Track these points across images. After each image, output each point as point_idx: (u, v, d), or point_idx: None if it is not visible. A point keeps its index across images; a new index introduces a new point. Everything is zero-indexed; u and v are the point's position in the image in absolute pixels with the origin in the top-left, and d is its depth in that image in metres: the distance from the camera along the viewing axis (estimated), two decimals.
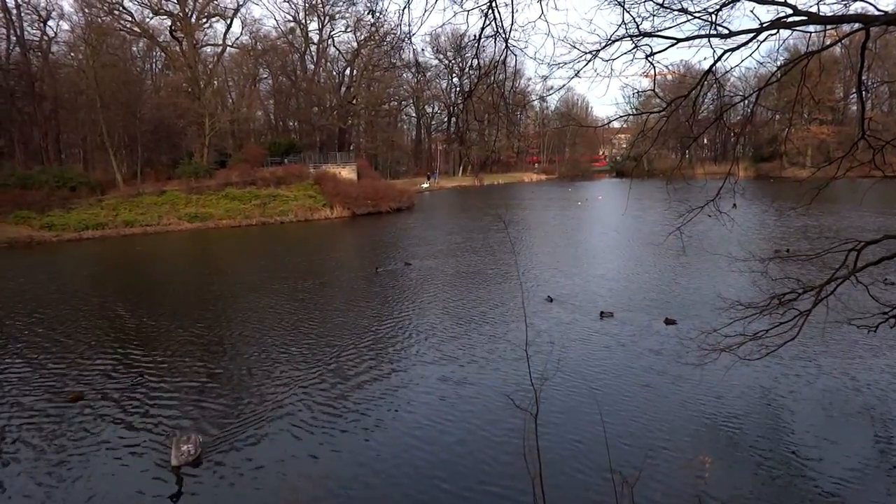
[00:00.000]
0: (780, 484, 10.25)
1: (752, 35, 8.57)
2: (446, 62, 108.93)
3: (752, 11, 10.49)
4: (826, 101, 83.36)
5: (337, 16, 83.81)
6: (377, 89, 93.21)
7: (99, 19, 60.87)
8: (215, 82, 71.92)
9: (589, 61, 8.63)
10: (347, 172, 65.25)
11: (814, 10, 8.51)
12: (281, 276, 28.64)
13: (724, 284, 21.76)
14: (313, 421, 12.91)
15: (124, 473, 11.07)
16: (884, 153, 9.74)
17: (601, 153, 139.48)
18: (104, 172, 59.21)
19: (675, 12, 8.71)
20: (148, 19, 67.28)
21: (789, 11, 8.43)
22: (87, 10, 59.64)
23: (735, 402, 13.21)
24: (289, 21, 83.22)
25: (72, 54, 64.33)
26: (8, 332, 20.56)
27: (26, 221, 46.28)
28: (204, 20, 68.16)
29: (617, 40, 8.60)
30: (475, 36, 7.41)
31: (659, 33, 8.70)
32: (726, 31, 8.62)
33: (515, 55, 7.72)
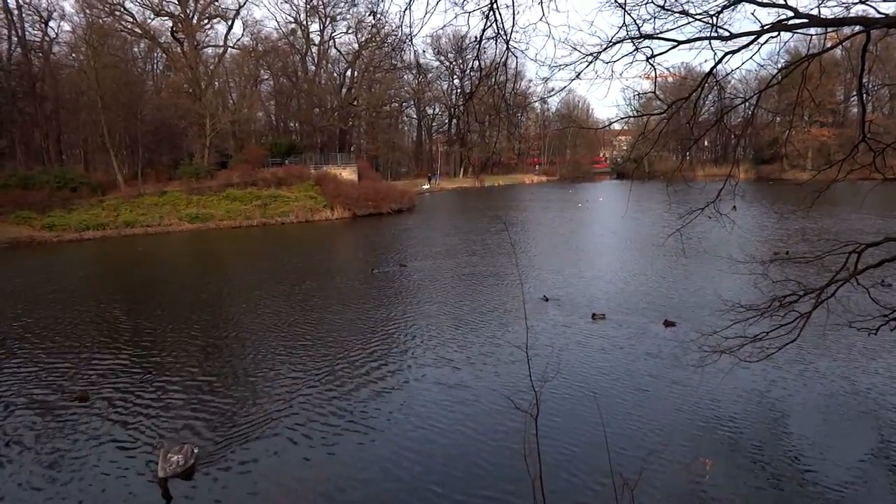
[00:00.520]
0: (781, 487, 10.24)
1: (752, 37, 8.58)
2: (447, 64, 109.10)
3: (752, 14, 10.48)
4: (827, 103, 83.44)
5: (338, 17, 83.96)
6: (378, 90, 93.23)
7: (100, 20, 60.97)
8: (216, 83, 71.96)
9: (590, 63, 8.64)
10: (348, 173, 65.27)
11: (815, 12, 8.52)
12: (281, 278, 28.64)
13: (723, 286, 21.75)
14: (312, 425, 12.86)
15: (116, 480, 10.93)
16: (884, 156, 9.74)
17: (602, 155, 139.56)
18: (105, 173, 59.31)
19: (676, 14, 8.72)
20: (149, 20, 67.43)
21: (790, 14, 8.43)
22: (88, 11, 59.75)
23: (735, 405, 13.20)
24: (290, 22, 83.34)
25: (73, 55, 64.41)
26: (4, 331, 20.58)
27: (27, 222, 46.34)
28: (205, 21, 68.26)
29: (618, 42, 8.60)
30: (476, 37, 7.42)
31: (660, 35, 8.71)
32: (727, 34, 8.62)
33: (516, 57, 7.74)
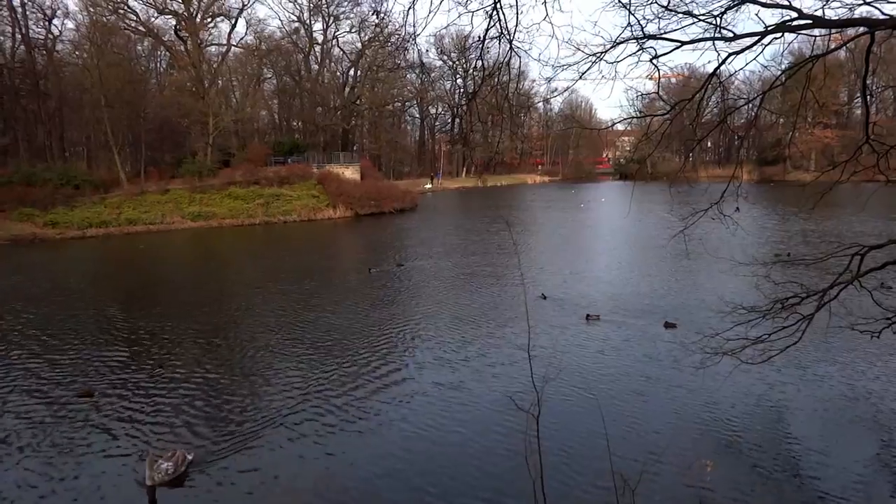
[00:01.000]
0: (782, 489, 10.22)
1: (756, 38, 8.56)
2: (450, 63, 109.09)
3: (756, 15, 10.47)
4: (830, 105, 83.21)
5: (341, 16, 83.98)
6: (381, 90, 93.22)
7: (104, 18, 61.01)
8: (219, 82, 72.00)
9: (593, 63, 8.62)
10: (351, 173, 65.30)
11: (819, 13, 8.50)
12: (282, 277, 28.66)
13: (725, 288, 21.73)
14: (312, 426, 12.83)
15: (111, 479, 10.86)
16: (888, 158, 9.71)
17: (605, 156, 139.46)
18: (108, 171, 59.37)
19: (680, 15, 8.70)
20: (153, 18, 67.48)
21: (794, 15, 8.41)
22: (91, 9, 59.80)
23: (736, 406, 13.18)
24: (293, 21, 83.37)
25: (76, 53, 64.46)
26: (4, 327, 20.62)
27: (30, 219, 46.43)
28: (209, 20, 68.28)
29: (621, 42, 8.59)
30: (479, 37, 7.40)
31: (664, 36, 8.69)
32: (731, 35, 8.60)
33: (520, 57, 7.72)
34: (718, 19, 8.66)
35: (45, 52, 63.67)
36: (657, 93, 10.56)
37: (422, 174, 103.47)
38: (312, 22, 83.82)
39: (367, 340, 18.53)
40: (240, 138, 71.72)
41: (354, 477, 10.79)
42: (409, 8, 6.61)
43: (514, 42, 7.38)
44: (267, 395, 14.40)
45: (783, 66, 10.71)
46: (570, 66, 8.75)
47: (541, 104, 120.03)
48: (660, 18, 8.78)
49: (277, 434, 12.39)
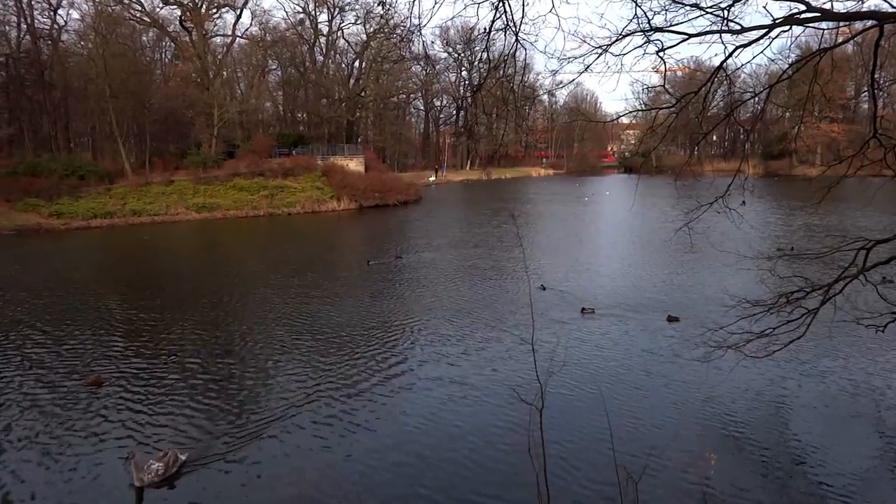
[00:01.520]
0: (786, 482, 10.23)
1: (764, 31, 8.49)
2: (456, 55, 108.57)
3: (764, 7, 10.38)
4: (837, 99, 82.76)
5: (346, 7, 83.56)
6: (386, 82, 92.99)
7: (109, 8, 60.95)
8: (224, 73, 71.97)
9: (599, 56, 8.56)
10: (355, 165, 65.24)
11: (827, 6, 8.42)
12: (286, 269, 28.70)
13: (730, 282, 21.69)
14: (312, 418, 12.88)
15: (103, 478, 10.77)
16: (895, 152, 9.64)
17: (610, 149, 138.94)
18: (113, 161, 59.43)
19: (687, 7, 8.63)
20: (158, 9, 67.42)
21: (802, 8, 8.34)
22: None
23: (740, 400, 13.19)
24: (298, 12, 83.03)
25: (81, 43, 64.48)
26: (9, 316, 20.71)
27: (35, 209, 46.55)
28: (213, 10, 68.14)
29: (628, 35, 8.53)
30: (485, 29, 7.37)
31: (670, 28, 8.62)
32: (738, 27, 8.53)
33: (525, 49, 7.68)
34: (726, 12, 8.59)
35: (50, 42, 63.60)
36: (663, 86, 10.53)
37: (426, 166, 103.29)
38: (317, 13, 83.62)
39: (368, 333, 18.56)
40: (244, 130, 71.67)
41: (356, 471, 10.83)
42: None
43: (519, 34, 7.34)
44: (266, 390, 14.39)
45: (790, 60, 10.61)
46: (575, 58, 8.70)
47: (546, 97, 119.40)
48: (666, 11, 8.72)
49: (277, 430, 12.29)
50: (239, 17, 70.91)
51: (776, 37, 8.62)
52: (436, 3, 6.69)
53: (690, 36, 8.67)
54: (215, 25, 71.27)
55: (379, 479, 10.47)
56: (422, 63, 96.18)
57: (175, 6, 66.27)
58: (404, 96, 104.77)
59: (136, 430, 12.35)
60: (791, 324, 9.91)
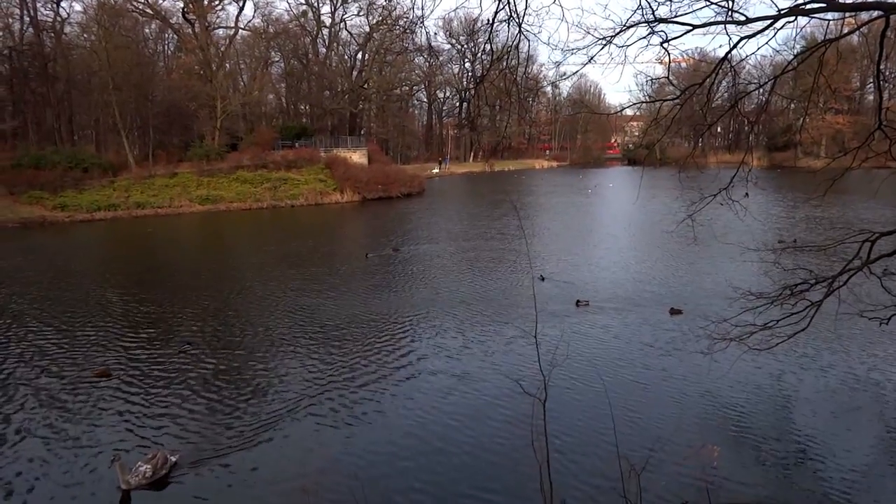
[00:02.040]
0: (788, 474, 10.25)
1: (769, 22, 8.43)
2: (459, 47, 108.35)
3: None
4: (842, 90, 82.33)
5: None
6: (389, 73, 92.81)
7: (112, 0, 60.82)
8: (227, 65, 71.85)
9: (603, 47, 8.51)
10: (358, 157, 65.20)
11: None
12: (288, 261, 28.75)
13: (733, 274, 21.63)
14: (315, 408, 12.94)
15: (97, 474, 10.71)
16: None
17: (614, 141, 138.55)
18: (116, 154, 59.51)
19: None
20: (160, 1, 67.31)
21: None
22: None
23: (743, 392, 13.19)
24: (301, 4, 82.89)
25: (84, 35, 64.35)
26: (9, 307, 20.82)
27: (39, 201, 46.67)
28: (216, 2, 68.01)
29: (632, 26, 8.47)
30: (488, 20, 7.35)
31: (675, 19, 8.57)
32: (743, 18, 8.47)
33: (529, 40, 7.66)
34: (730, 2, 8.52)
35: (53, 34, 63.47)
36: (667, 77, 10.47)
37: (429, 158, 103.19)
38: (320, 4, 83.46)
39: (369, 327, 18.58)
40: (247, 122, 71.65)
41: (358, 464, 10.88)
42: None
43: (523, 25, 7.32)
44: (265, 386, 14.32)
45: (795, 51, 10.57)
46: (579, 49, 8.65)
47: (549, 88, 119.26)
48: (671, 1, 8.65)
49: (275, 428, 12.11)
50: (241, 8, 70.90)
51: (781, 27, 8.57)
52: None
53: (695, 27, 8.62)
54: (218, 17, 71.26)
55: (381, 473, 10.51)
56: (425, 54, 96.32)
57: None
58: (407, 88, 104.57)
59: (132, 427, 12.28)
60: (794, 316, 9.89)
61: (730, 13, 8.55)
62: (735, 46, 8.81)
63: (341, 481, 10.24)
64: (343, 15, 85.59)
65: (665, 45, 8.82)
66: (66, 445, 11.49)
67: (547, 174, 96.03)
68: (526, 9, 7.14)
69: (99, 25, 56.85)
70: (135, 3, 65.01)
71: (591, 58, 8.59)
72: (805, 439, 11.34)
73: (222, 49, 70.14)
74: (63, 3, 64.61)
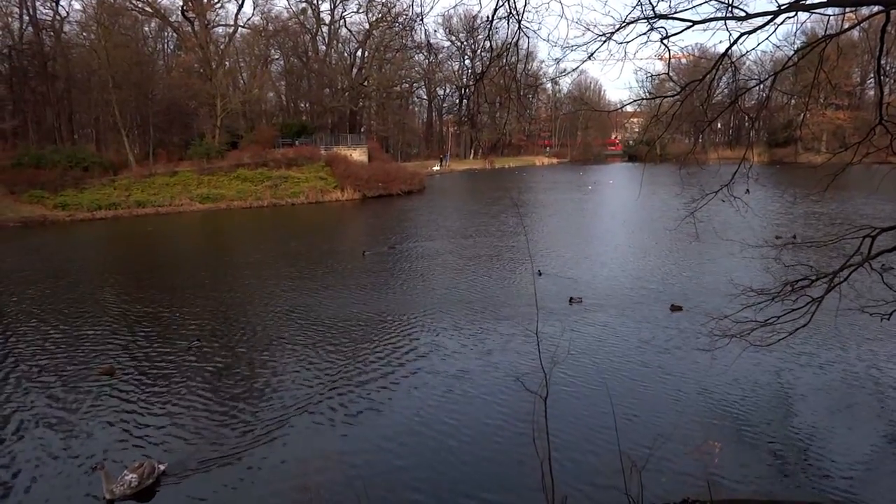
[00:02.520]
0: (790, 470, 10.26)
1: (769, 18, 8.42)
2: (458, 44, 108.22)
3: None
4: (843, 85, 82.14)
5: None
6: (389, 71, 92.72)
7: None
8: (227, 63, 71.79)
9: (603, 43, 8.51)
10: (358, 154, 65.17)
11: None
12: (288, 259, 28.76)
13: (734, 270, 21.65)
14: (315, 408, 12.91)
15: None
16: None
17: (614, 137, 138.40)
18: (116, 153, 59.51)
19: None
20: None
21: None
22: None
23: (744, 389, 13.20)
24: (300, 1, 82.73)
25: (84, 34, 64.24)
26: (9, 307, 20.85)
27: (40, 201, 46.67)
28: (215, 0, 67.87)
29: (632, 22, 8.47)
30: (488, 17, 7.35)
31: (675, 15, 8.55)
32: (743, 14, 8.46)
33: (528, 37, 7.66)
34: None
35: (52, 33, 63.39)
36: (667, 73, 10.45)
37: (430, 156, 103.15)
38: (320, 2, 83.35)
39: (368, 325, 18.54)
40: (247, 120, 71.61)
41: (363, 456, 10.89)
42: None
43: (522, 22, 7.32)
44: (263, 386, 14.21)
45: (796, 46, 10.54)
46: (579, 46, 8.65)
47: (549, 85, 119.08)
48: None
49: (272, 432, 11.85)
50: (241, 6, 70.71)
51: (781, 23, 8.55)
52: None
53: (695, 23, 8.61)
54: (217, 15, 71.10)
55: (382, 471, 10.50)
56: (424, 52, 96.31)
57: None
58: (407, 85, 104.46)
59: (128, 427, 12.11)
60: (795, 312, 9.90)
61: (730, 9, 8.54)
62: (735, 42, 8.80)
63: (342, 480, 10.24)
64: (342, 12, 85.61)
65: (665, 41, 8.81)
66: (59, 448, 11.36)
67: (547, 171, 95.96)
68: (525, 5, 7.14)
69: (98, 24, 56.78)
70: (134, 2, 64.92)
71: (591, 54, 8.59)
72: (806, 435, 11.35)
73: (222, 47, 70.06)
74: (62, 2, 65.00)
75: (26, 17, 61.11)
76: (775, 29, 8.73)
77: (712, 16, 8.65)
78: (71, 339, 17.42)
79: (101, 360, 15.62)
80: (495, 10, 7.12)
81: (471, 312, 19.28)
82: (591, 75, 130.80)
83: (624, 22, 8.46)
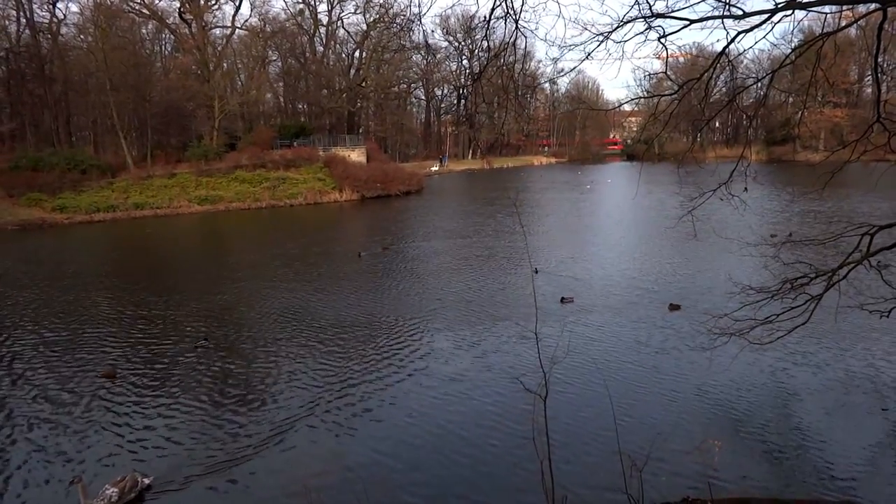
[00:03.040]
0: (789, 468, 10.25)
1: (766, 16, 8.43)
2: (456, 44, 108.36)
3: None
4: (840, 83, 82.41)
5: None
6: (386, 71, 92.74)
7: (108, 1, 60.74)
8: (224, 65, 71.82)
9: (601, 43, 8.51)
10: (357, 155, 65.16)
11: None
12: (284, 261, 28.71)
13: (733, 269, 21.59)
14: (316, 407, 12.91)
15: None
16: None
17: (612, 135, 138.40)
18: (114, 155, 59.48)
19: None
20: (157, 1, 67.22)
21: None
22: None
23: (744, 387, 13.19)
24: (298, 2, 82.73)
25: (81, 36, 64.30)
26: (7, 309, 20.81)
27: (38, 203, 46.65)
28: (213, 2, 67.93)
29: (629, 21, 8.47)
30: (485, 17, 7.34)
31: (672, 14, 8.56)
32: (740, 12, 8.47)
33: (526, 37, 7.65)
34: None
35: (49, 35, 63.39)
36: (665, 72, 10.45)
37: (428, 156, 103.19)
38: (317, 3, 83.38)
39: (366, 326, 18.50)
40: (245, 121, 71.62)
41: (364, 456, 10.87)
42: None
43: (520, 22, 7.31)
44: (260, 388, 14.12)
45: (793, 45, 10.55)
46: (576, 45, 8.64)
47: (547, 85, 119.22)
48: None
49: (267, 441, 11.64)
50: (238, 7, 70.91)
51: (779, 21, 8.56)
52: None
53: (692, 21, 8.61)
54: (214, 17, 71.15)
55: (381, 471, 10.47)
56: (422, 52, 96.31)
57: None
58: (405, 86, 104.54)
59: (121, 432, 11.98)
60: (794, 310, 9.90)
61: (727, 7, 8.55)
62: (733, 41, 8.80)
63: (340, 481, 10.23)
64: (340, 13, 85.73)
65: (662, 40, 8.81)
66: (45, 457, 11.18)
67: (545, 171, 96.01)
68: (523, 5, 7.13)
69: (95, 26, 56.81)
70: (131, 4, 64.92)
71: (589, 54, 8.58)
72: (806, 433, 11.34)
73: (219, 49, 70.06)
74: (59, 5, 64.92)
75: (23, 20, 61.18)
76: (772, 27, 8.75)
77: (709, 14, 8.66)
78: (68, 343, 17.39)
79: (97, 364, 15.59)
80: (492, 9, 7.12)
81: (469, 312, 19.26)
82: (588, 75, 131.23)
83: (621, 21, 8.46)
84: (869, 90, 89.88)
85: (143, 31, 72.84)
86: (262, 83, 76.37)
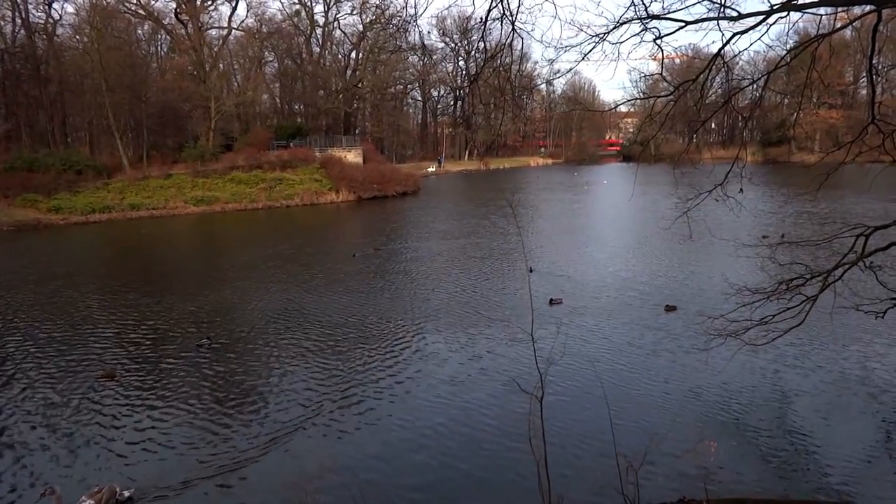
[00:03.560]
0: (785, 469, 10.27)
1: (761, 18, 8.46)
2: (452, 45, 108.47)
3: None
4: (836, 85, 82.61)
5: None
6: (383, 73, 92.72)
7: (104, 1, 60.61)
8: (220, 65, 71.66)
9: (596, 44, 8.53)
10: (353, 156, 65.14)
11: None
12: (282, 263, 28.66)
13: (728, 270, 21.66)
14: (311, 409, 12.88)
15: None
16: (894, 138, 9.62)
17: (609, 136, 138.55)
18: (110, 156, 59.30)
19: None
20: (153, 1, 67.10)
21: None
22: None
23: (740, 388, 13.21)
24: (294, 3, 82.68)
25: (77, 37, 64.15)
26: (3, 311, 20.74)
27: (33, 204, 46.50)
28: (209, 2, 67.82)
29: (625, 23, 8.50)
30: (482, 18, 7.36)
31: (668, 16, 8.59)
32: (736, 14, 8.50)
33: (522, 38, 7.67)
34: None
35: (45, 36, 63.26)
36: (661, 74, 10.48)
37: (424, 157, 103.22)
38: (313, 4, 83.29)
39: (361, 327, 18.44)
40: (242, 122, 71.49)
41: (360, 458, 10.85)
42: None
43: (516, 23, 7.33)
44: (252, 395, 13.94)
45: (788, 46, 10.57)
46: (572, 46, 8.68)
47: (543, 86, 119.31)
48: None
49: (269, 430, 11.89)
50: (234, 8, 70.76)
51: (774, 23, 8.60)
52: None
53: (688, 23, 8.64)
54: (211, 17, 71.05)
55: (376, 473, 10.44)
56: (418, 53, 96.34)
57: None
58: (401, 87, 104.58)
59: (110, 440, 11.82)
60: (790, 311, 9.93)
61: (722, 9, 8.58)
62: (728, 42, 8.84)
63: (336, 483, 10.19)
64: (336, 14, 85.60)
65: (658, 41, 8.84)
66: (38, 461, 11.06)
67: (542, 172, 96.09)
68: (519, 6, 7.15)
69: (91, 27, 56.67)
70: (127, 4, 64.79)
71: (585, 55, 8.61)
72: (802, 433, 11.36)
73: (215, 49, 69.95)
74: (55, 5, 64.72)
75: (19, 21, 61.04)
76: (768, 29, 8.78)
77: (705, 16, 8.69)
78: (63, 344, 17.33)
79: (90, 365, 15.52)
80: (489, 11, 7.13)
81: (464, 313, 19.26)
82: (585, 76, 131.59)
83: (617, 22, 8.49)
84: (864, 92, 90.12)
85: (140, 31, 72.68)
86: (259, 84, 76.29)
